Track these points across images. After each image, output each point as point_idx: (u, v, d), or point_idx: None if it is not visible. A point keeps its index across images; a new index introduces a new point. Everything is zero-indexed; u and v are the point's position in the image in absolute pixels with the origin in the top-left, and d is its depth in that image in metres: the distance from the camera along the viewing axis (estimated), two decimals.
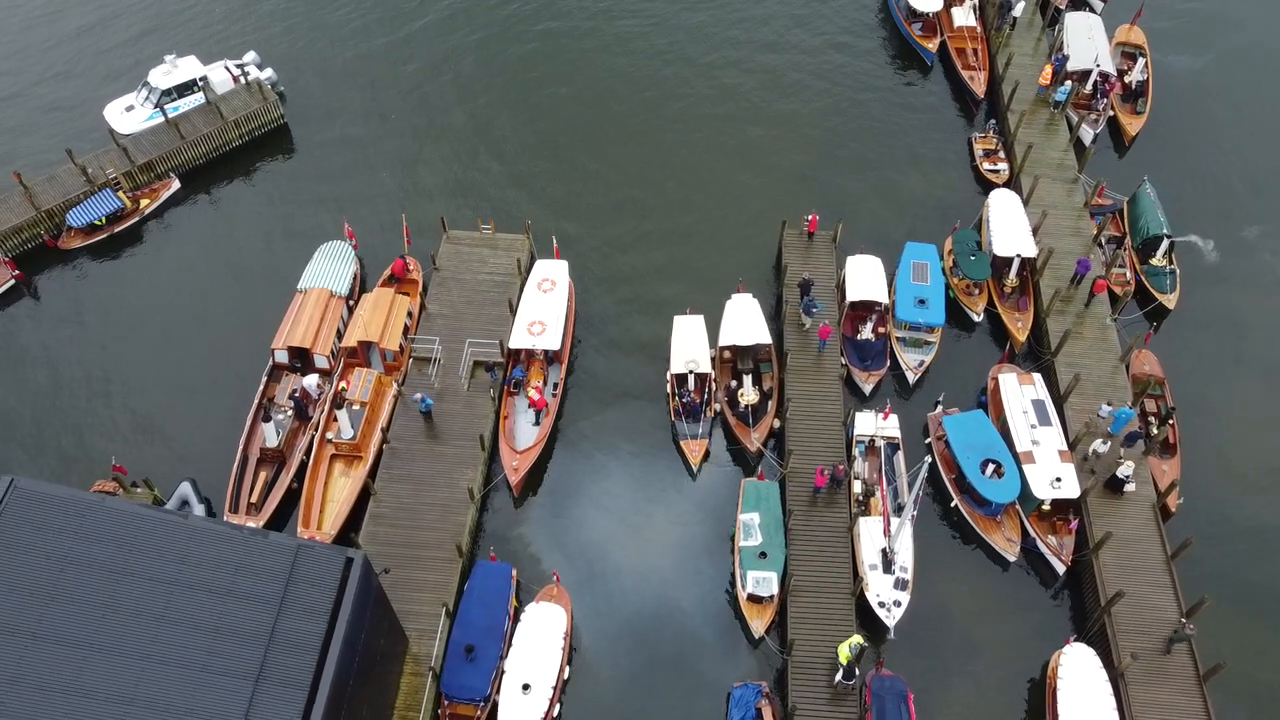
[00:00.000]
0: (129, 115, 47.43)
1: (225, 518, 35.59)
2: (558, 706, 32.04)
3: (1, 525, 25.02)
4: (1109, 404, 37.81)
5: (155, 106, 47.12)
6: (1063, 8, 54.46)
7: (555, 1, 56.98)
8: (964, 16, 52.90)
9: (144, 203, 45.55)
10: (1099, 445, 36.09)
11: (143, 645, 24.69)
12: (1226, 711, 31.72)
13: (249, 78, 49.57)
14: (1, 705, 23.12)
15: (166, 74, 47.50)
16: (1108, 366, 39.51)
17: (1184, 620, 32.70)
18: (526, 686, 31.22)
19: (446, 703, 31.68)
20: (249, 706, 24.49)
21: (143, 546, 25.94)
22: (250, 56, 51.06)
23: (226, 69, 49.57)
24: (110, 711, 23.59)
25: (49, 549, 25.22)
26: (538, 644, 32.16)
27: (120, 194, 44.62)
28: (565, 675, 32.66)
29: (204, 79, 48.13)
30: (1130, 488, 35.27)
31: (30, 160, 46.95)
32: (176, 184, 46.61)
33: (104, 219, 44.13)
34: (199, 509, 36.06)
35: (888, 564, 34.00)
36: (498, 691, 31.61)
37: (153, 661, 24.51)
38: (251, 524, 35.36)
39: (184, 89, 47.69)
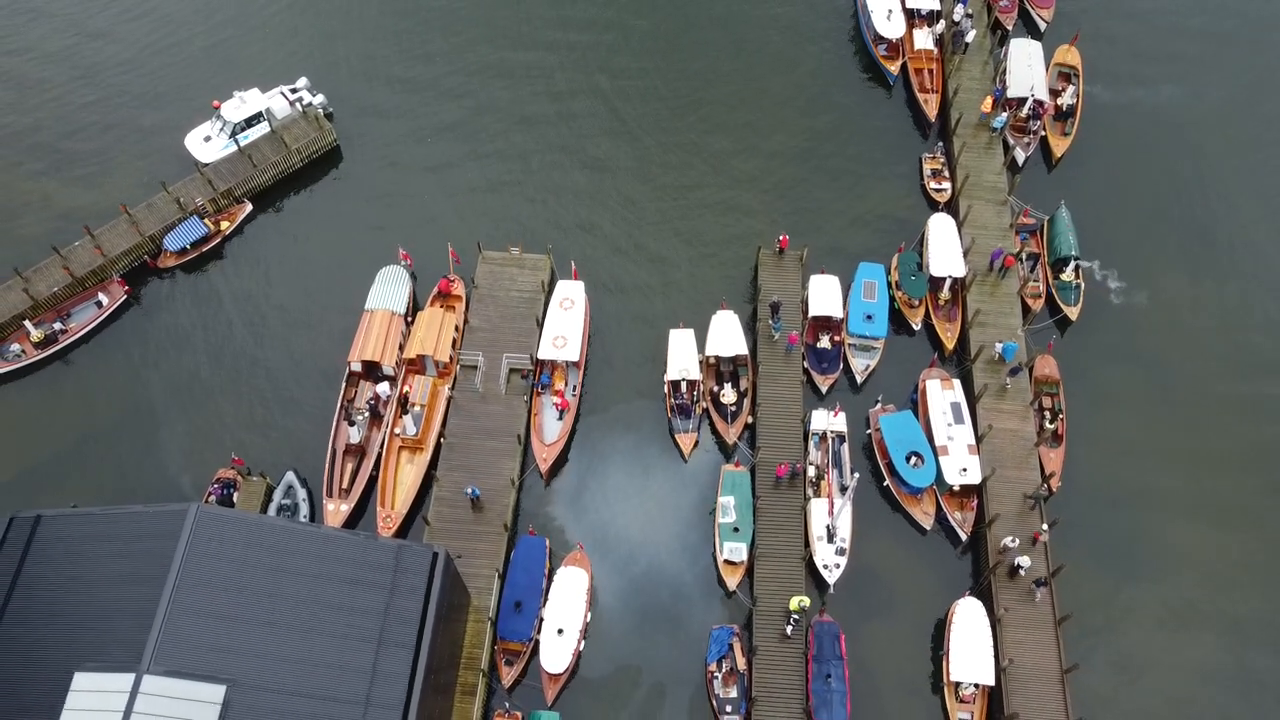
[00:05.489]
0: (207, 146, 55.64)
1: (324, 500, 46.21)
2: (583, 643, 43.35)
3: (194, 540, 35.43)
4: (1000, 343, 48.66)
5: (230, 137, 55.30)
6: (1010, 29, 61.51)
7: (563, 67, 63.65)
8: (924, 40, 60.00)
9: (224, 225, 54.31)
10: (1009, 541, 43.82)
11: (301, 620, 35.44)
12: (1077, 645, 42.99)
13: (303, 103, 57.38)
14: (211, 666, 33.89)
15: (236, 108, 55.47)
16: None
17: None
18: (561, 630, 42.45)
19: (501, 642, 43.02)
20: (375, 661, 35.52)
21: (292, 550, 36.48)
22: (302, 81, 58.55)
23: (283, 95, 57.32)
24: (286, 669, 34.45)
25: (228, 555, 35.68)
26: (568, 598, 43.24)
27: (205, 220, 53.36)
28: (588, 620, 43.90)
29: (268, 110, 56.07)
30: (1022, 574, 43.35)
31: (121, 183, 55.60)
32: (249, 207, 55.25)
33: (191, 245, 53.03)
34: (302, 493, 46.56)
35: (831, 536, 44.87)
36: (539, 634, 42.86)
37: (309, 633, 35.33)
38: (345, 506, 46.00)
39: (252, 120, 55.72)
